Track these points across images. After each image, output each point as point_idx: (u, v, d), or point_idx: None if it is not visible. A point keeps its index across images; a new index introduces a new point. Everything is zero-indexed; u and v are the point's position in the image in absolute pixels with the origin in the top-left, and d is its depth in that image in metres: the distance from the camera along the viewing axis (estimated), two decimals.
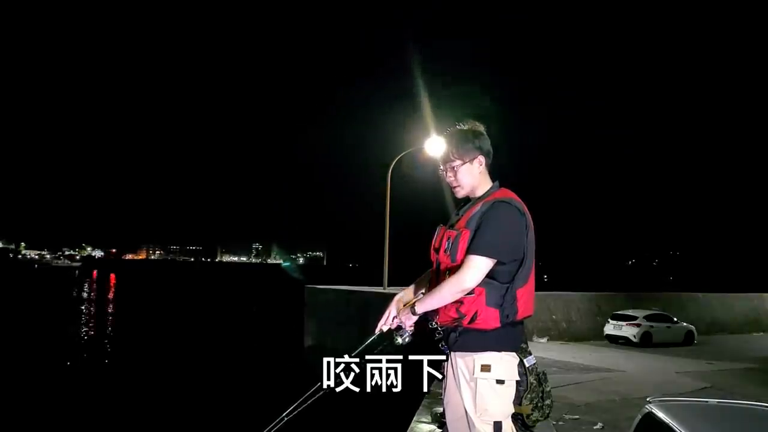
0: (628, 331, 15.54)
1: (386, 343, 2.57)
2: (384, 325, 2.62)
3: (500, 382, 2.34)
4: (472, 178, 2.51)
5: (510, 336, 2.38)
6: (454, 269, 2.36)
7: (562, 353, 12.84)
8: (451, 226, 2.49)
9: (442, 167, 2.58)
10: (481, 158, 2.52)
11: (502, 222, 2.36)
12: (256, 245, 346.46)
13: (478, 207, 2.43)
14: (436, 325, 2.47)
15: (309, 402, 2.63)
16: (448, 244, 2.42)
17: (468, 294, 2.33)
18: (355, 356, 2.62)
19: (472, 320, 2.34)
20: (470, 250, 2.33)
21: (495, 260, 2.32)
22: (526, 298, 2.40)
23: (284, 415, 2.63)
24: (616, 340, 15.64)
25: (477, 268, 2.30)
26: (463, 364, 2.40)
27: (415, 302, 2.49)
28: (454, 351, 2.43)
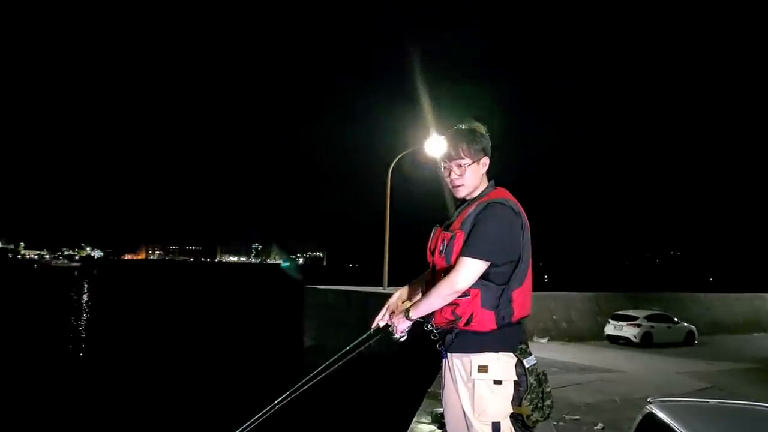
0: (628, 331, 15.51)
1: (381, 337, 2.59)
2: (380, 320, 2.64)
3: (498, 382, 2.33)
4: (476, 178, 2.50)
5: (507, 337, 2.36)
6: (449, 271, 2.35)
7: (563, 353, 12.82)
8: (447, 227, 2.47)
9: (445, 165, 2.53)
10: (486, 160, 2.51)
11: (497, 223, 2.34)
12: (255, 245, 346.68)
13: (473, 208, 2.41)
14: (431, 328, 2.45)
15: (300, 391, 2.64)
16: (443, 245, 2.41)
17: (463, 296, 2.32)
18: (350, 350, 2.64)
19: (467, 322, 2.33)
20: (463, 252, 2.32)
21: (489, 262, 2.30)
22: (522, 299, 2.38)
23: (276, 402, 2.63)
24: (616, 341, 15.60)
25: (469, 270, 2.29)
26: (460, 365, 2.39)
27: (409, 307, 2.48)
28: (451, 352, 2.42)
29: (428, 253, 2.56)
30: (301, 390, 2.65)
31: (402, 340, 2.51)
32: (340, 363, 2.67)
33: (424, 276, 2.66)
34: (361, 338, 2.65)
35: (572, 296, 17.30)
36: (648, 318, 15.81)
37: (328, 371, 2.68)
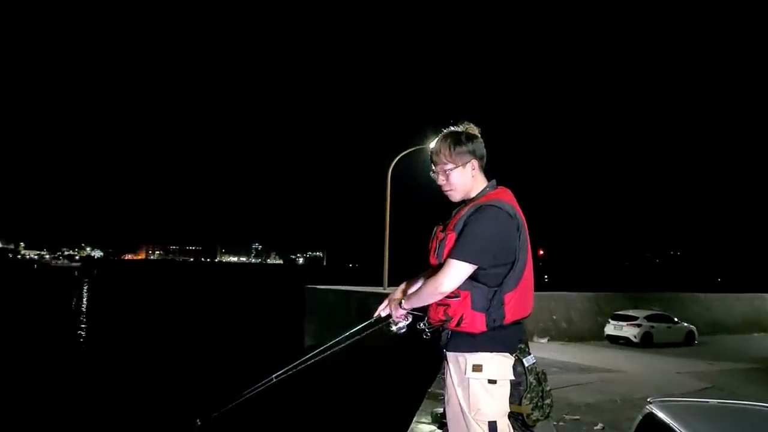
0: (628, 331, 15.51)
1: (381, 333, 2.62)
2: (382, 311, 2.69)
3: (492, 381, 2.33)
4: (465, 182, 2.49)
5: (501, 338, 2.36)
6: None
7: (563, 353, 12.81)
8: (444, 227, 2.48)
9: (434, 169, 2.55)
10: (474, 162, 2.49)
11: (486, 226, 2.33)
12: (255, 245, 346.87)
13: (467, 209, 2.41)
14: (423, 327, 2.49)
15: (300, 368, 2.67)
16: (437, 246, 2.43)
17: (454, 297, 2.33)
18: (351, 335, 2.69)
19: (458, 323, 2.35)
20: (450, 254, 2.33)
21: (475, 265, 2.30)
22: (516, 302, 2.36)
23: (273, 376, 2.66)
24: (616, 341, 15.60)
25: (454, 272, 2.30)
26: (456, 363, 2.41)
27: (403, 298, 2.56)
28: (448, 351, 2.44)
29: (427, 251, 2.58)
30: (299, 368, 2.70)
31: (401, 332, 2.57)
32: (341, 347, 2.72)
33: (426, 274, 2.67)
34: (361, 326, 2.69)
35: (572, 296, 17.30)
36: (648, 318, 15.80)
37: (329, 351, 2.73)
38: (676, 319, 16.44)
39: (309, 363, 2.74)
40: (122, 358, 19.49)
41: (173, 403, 12.61)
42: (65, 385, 15.36)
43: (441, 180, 2.52)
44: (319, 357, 2.76)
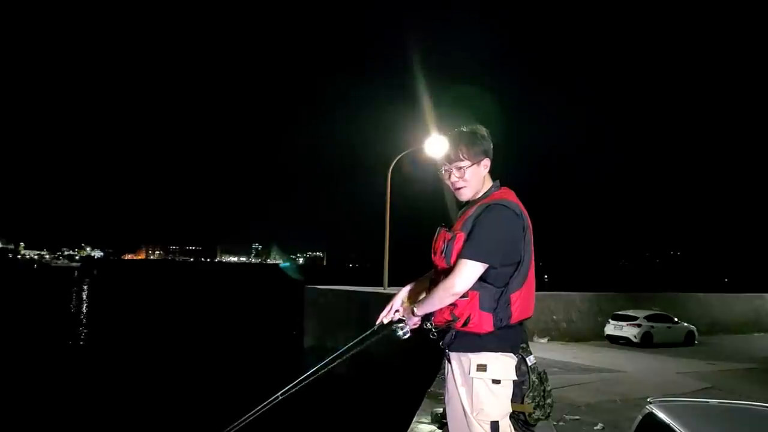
0: (628, 331, 15.52)
1: (383, 336, 2.60)
2: (385, 317, 2.66)
3: (496, 381, 2.33)
4: (477, 180, 2.50)
5: (506, 338, 2.37)
6: (448, 272, 2.36)
7: (563, 354, 12.82)
8: (450, 228, 2.48)
9: (446, 168, 2.53)
10: (487, 161, 2.51)
11: (495, 225, 2.34)
12: (255, 245, 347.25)
13: (474, 209, 2.42)
14: (430, 326, 2.47)
15: (304, 384, 2.65)
16: (444, 246, 2.42)
17: (461, 297, 2.33)
18: (354, 345, 2.66)
19: (465, 323, 2.34)
20: (461, 254, 2.33)
21: (486, 265, 2.30)
22: (521, 301, 2.38)
23: (279, 394, 2.65)
24: (616, 341, 15.61)
25: (467, 272, 2.29)
26: (459, 363, 2.41)
27: (415, 304, 2.52)
28: (451, 351, 2.44)
29: (432, 253, 2.57)
30: (303, 384, 2.67)
31: (405, 338, 2.54)
32: (344, 359, 2.69)
33: (429, 275, 2.67)
34: (364, 335, 2.67)
35: (572, 296, 17.28)
36: (648, 318, 15.80)
37: (331, 365, 2.70)
38: (676, 319, 16.43)
39: (313, 377, 2.71)
40: (123, 363, 19.45)
41: (174, 415, 12.60)
42: (65, 389, 15.35)
43: (455, 177, 2.50)
44: (322, 372, 2.72)
